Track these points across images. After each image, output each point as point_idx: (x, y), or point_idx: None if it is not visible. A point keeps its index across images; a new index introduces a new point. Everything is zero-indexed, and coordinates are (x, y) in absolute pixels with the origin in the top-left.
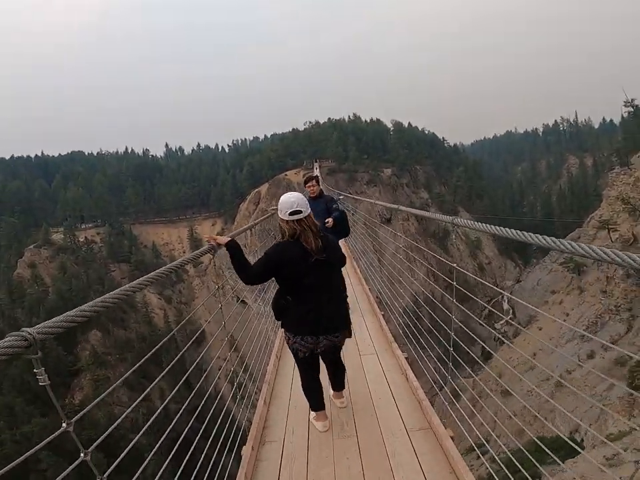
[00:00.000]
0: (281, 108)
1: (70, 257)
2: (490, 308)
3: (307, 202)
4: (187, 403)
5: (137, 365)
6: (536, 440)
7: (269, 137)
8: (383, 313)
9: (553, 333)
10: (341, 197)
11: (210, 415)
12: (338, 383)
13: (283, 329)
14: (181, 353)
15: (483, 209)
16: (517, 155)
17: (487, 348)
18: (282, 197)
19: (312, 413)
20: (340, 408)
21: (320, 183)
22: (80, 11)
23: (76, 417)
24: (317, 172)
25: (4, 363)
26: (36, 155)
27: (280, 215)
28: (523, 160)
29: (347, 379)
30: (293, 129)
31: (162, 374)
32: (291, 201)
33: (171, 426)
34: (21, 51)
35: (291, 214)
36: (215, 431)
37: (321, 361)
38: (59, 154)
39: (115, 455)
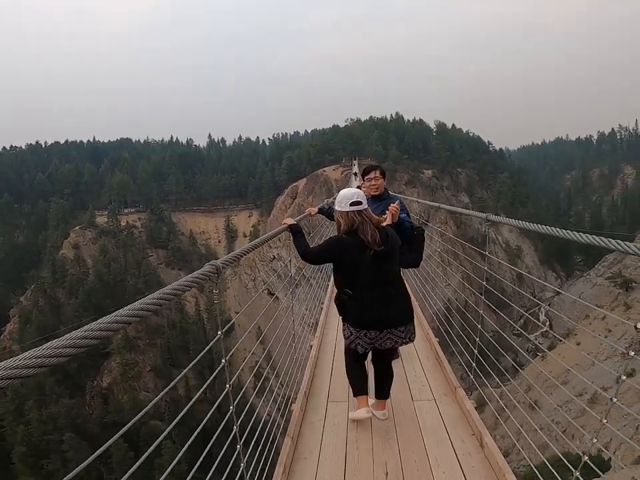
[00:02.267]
0: (323, 104)
1: (111, 240)
2: (528, 315)
3: (365, 197)
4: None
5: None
6: (559, 454)
7: (309, 132)
8: (438, 339)
9: (592, 348)
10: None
11: (233, 408)
12: (384, 391)
13: (345, 323)
14: (208, 347)
15: (525, 217)
16: (567, 163)
17: (520, 356)
18: (341, 191)
19: (351, 413)
20: (382, 420)
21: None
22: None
23: None
24: (355, 169)
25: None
26: (88, 140)
27: (338, 208)
28: (573, 168)
29: (397, 435)
30: (334, 125)
31: (187, 369)
32: (351, 192)
33: (183, 411)
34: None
35: (352, 204)
36: (236, 427)
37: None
38: (109, 140)
39: (134, 440)
